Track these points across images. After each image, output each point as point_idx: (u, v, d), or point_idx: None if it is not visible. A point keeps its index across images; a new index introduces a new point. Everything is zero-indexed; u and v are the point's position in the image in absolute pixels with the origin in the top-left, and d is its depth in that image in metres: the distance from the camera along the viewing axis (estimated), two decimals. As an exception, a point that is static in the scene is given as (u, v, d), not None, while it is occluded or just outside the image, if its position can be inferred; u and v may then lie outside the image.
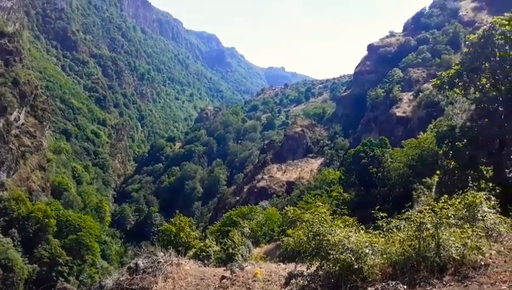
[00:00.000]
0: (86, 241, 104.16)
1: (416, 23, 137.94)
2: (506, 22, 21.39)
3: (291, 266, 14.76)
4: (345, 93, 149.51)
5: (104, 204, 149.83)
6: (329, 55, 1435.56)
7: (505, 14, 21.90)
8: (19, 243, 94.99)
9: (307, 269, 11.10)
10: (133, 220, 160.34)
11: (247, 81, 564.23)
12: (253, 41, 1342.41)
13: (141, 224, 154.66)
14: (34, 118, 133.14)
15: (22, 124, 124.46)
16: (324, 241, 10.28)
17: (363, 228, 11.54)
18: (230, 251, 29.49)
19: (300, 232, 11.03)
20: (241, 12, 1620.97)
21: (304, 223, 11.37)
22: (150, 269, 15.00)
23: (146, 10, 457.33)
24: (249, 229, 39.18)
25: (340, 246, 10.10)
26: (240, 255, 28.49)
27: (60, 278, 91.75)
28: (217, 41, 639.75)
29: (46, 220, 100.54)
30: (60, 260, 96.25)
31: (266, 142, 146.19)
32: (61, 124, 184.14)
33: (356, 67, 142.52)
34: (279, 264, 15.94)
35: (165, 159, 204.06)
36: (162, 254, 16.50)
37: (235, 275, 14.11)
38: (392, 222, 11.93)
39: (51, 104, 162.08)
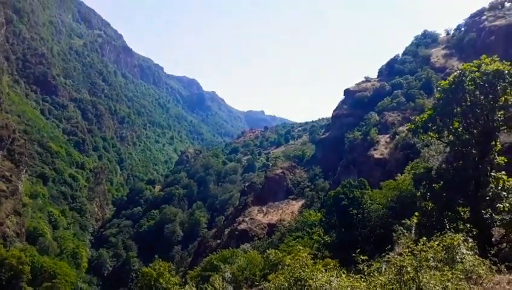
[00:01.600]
0: (61, 288, 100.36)
1: (390, 69, 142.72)
2: (476, 69, 22.51)
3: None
4: (323, 136, 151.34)
5: (81, 249, 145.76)
6: (307, 98, 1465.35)
7: (474, 61, 23.07)
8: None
9: (290, 316, 11.00)
10: (111, 266, 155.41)
11: (227, 124, 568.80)
12: (233, 86, 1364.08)
13: (119, 270, 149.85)
14: (10, 162, 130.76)
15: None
16: (306, 287, 10.26)
17: (345, 271, 11.56)
18: (211, 297, 28.83)
19: (281, 277, 11.00)
20: (221, 57, 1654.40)
21: (285, 268, 11.34)
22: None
23: (127, 56, 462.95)
24: (230, 273, 38.45)
25: (322, 291, 10.11)
26: (220, 302, 27.85)
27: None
28: (197, 86, 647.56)
29: (20, 267, 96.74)
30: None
31: (247, 184, 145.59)
32: (38, 167, 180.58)
33: (334, 111, 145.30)
34: (261, 311, 15.68)
35: (144, 202, 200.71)
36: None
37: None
38: (373, 265, 11.99)
39: (28, 148, 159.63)
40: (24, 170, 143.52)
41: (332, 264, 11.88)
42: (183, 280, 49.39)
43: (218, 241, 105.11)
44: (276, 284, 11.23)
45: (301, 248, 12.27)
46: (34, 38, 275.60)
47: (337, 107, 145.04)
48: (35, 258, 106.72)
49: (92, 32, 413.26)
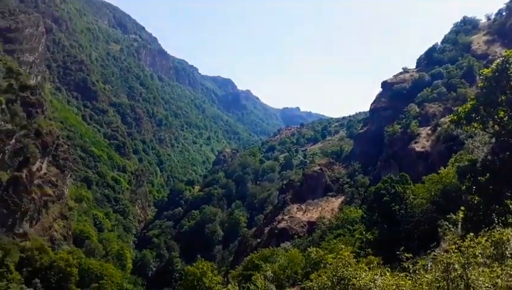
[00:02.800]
0: (108, 289, 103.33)
1: (429, 59, 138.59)
2: (520, 55, 21.52)
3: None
4: (361, 131, 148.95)
5: (125, 251, 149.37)
6: (343, 93, 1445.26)
7: (518, 47, 22.07)
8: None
9: (334, 315, 10.85)
10: (154, 267, 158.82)
11: (263, 122, 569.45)
12: (267, 83, 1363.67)
13: (163, 270, 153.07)
14: (55, 167, 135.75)
15: (44, 173, 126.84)
16: (349, 286, 10.09)
17: (389, 269, 11.31)
18: (254, 296, 28.90)
19: (324, 276, 10.87)
20: (254, 55, 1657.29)
21: (328, 267, 11.21)
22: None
23: (162, 58, 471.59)
24: (272, 272, 38.44)
25: (366, 291, 9.91)
26: (263, 300, 27.88)
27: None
28: (232, 85, 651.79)
29: (69, 269, 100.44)
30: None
31: (285, 182, 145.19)
32: (82, 172, 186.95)
33: (371, 104, 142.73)
34: (305, 310, 15.57)
35: (184, 203, 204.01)
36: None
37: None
38: (419, 262, 11.68)
39: (72, 153, 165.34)
40: (69, 175, 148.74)
41: (375, 262, 11.66)
42: (225, 279, 49.89)
43: (259, 240, 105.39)
44: (319, 284, 11.11)
45: (343, 246, 12.09)
46: (73, 45, 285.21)
47: (374, 101, 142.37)
48: (83, 260, 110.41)
49: (127, 36, 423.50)
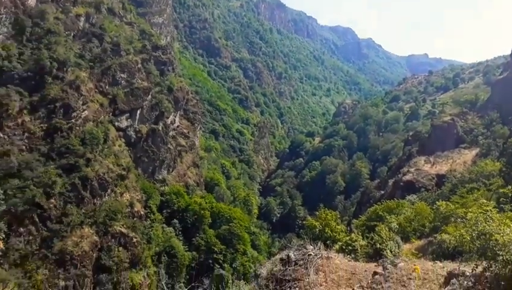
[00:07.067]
0: (237, 231, 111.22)
1: None
2: None
3: (449, 265, 13.80)
4: (501, 76, 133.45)
5: (251, 197, 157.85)
6: (479, 36, 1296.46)
7: None
8: (179, 233, 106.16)
9: (472, 271, 10.27)
10: (278, 213, 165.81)
11: (386, 71, 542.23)
12: (390, 30, 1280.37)
13: (285, 217, 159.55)
14: (187, 120, 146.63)
15: (177, 126, 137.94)
16: (491, 241, 9.40)
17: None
18: (378, 246, 28.61)
19: (462, 230, 10.25)
20: (375, 2, 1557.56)
21: (466, 221, 10.55)
22: (302, 261, 15.43)
23: (281, 12, 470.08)
24: (397, 224, 37.52)
25: (511, 247, 9.15)
26: (388, 251, 27.48)
27: (216, 265, 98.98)
28: (352, 34, 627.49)
29: (202, 212, 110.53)
30: (215, 249, 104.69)
31: (411, 133, 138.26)
32: (210, 124, 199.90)
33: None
34: (436, 263, 14.96)
35: (305, 154, 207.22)
36: (311, 247, 16.90)
37: (388, 272, 13.72)
38: None
39: (200, 107, 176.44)
40: (198, 127, 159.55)
41: (522, 218, 10.65)
42: (348, 228, 50.17)
43: (382, 192, 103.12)
44: (457, 237, 10.56)
45: (484, 201, 11.20)
46: (197, 5, 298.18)
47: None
48: (214, 205, 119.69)
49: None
